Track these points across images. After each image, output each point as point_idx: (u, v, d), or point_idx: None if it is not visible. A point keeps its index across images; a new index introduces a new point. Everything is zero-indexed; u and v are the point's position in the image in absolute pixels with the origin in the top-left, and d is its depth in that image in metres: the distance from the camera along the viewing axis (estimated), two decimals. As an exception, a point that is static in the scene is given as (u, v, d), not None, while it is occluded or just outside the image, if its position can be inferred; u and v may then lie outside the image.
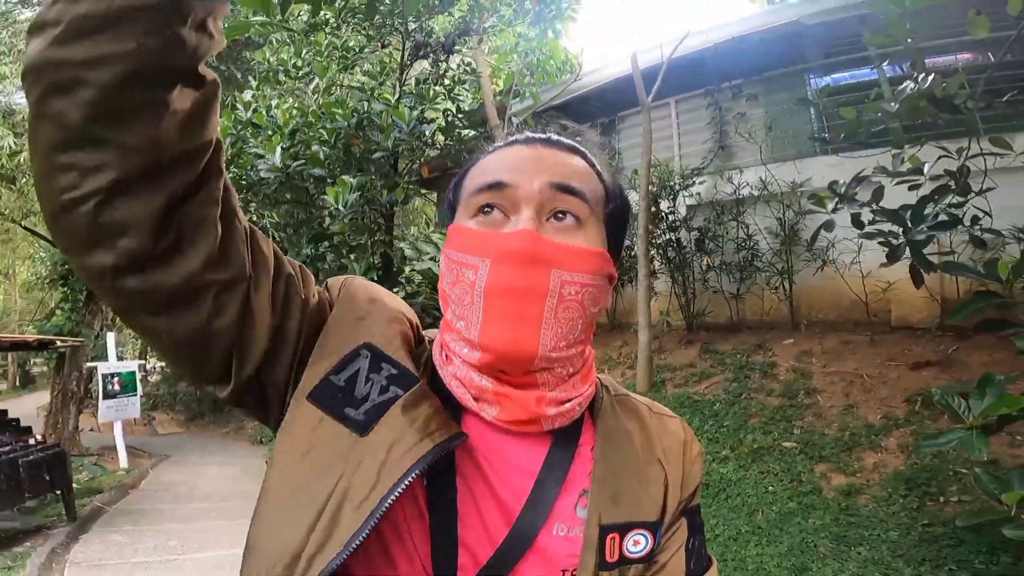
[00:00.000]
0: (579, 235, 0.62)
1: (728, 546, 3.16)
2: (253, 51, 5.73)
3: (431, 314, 6.41)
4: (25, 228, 9.81)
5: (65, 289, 9.68)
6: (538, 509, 0.60)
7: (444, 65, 5.39)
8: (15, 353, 19.50)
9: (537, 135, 0.67)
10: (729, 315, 5.93)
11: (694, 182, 5.87)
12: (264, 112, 4.22)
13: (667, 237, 6.03)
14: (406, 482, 0.52)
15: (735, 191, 5.70)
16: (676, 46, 5.36)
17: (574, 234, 0.61)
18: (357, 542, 0.50)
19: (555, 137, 0.67)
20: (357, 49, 4.92)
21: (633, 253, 5.50)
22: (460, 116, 5.28)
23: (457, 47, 5.44)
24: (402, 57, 5.32)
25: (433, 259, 7.27)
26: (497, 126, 5.66)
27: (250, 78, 4.71)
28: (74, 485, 5.24)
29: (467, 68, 5.38)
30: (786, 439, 3.97)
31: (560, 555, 0.60)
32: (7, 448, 4.27)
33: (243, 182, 4.29)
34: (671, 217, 5.93)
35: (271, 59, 4.73)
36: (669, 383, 5.12)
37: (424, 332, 0.71)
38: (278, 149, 4.00)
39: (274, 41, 5.09)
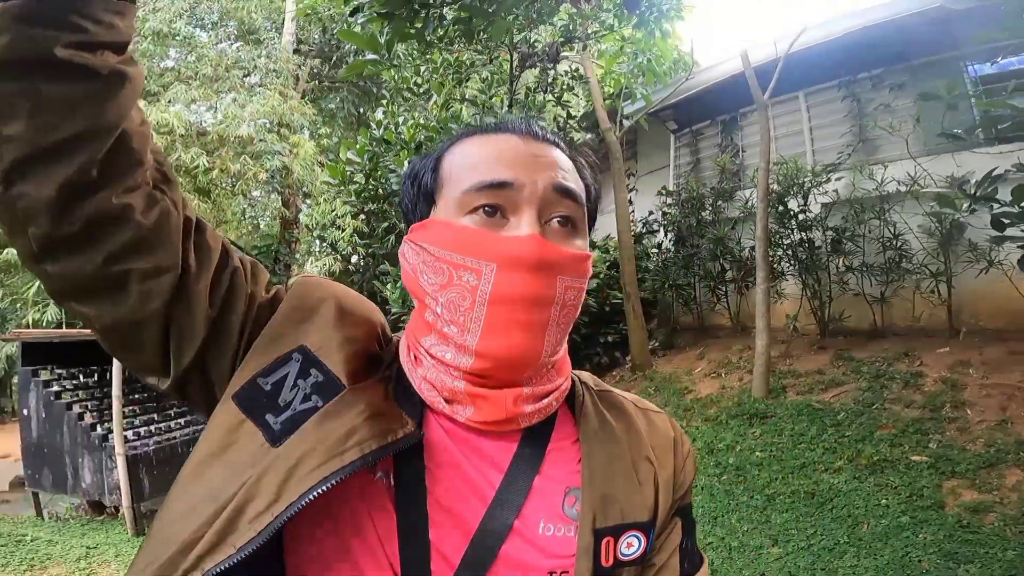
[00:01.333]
0: (576, 239, 0.61)
1: (820, 555, 2.97)
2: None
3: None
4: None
5: None
6: (506, 506, 0.58)
7: (552, 73, 5.58)
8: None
9: (526, 124, 0.65)
10: (872, 320, 5.39)
11: (829, 179, 5.42)
12: (393, 129, 4.78)
13: (797, 237, 5.65)
14: (303, 502, 0.50)
15: (878, 187, 5.18)
16: (793, 41, 5.04)
17: (573, 238, 0.61)
18: (248, 551, 0.49)
19: (541, 129, 0.65)
20: (468, 64, 5.30)
21: (747, 255, 5.25)
22: (570, 121, 5.42)
23: (562, 55, 5.60)
24: (511, 69, 5.63)
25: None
26: (609, 129, 5.73)
27: (385, 93, 5.35)
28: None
29: (574, 74, 5.51)
30: (916, 452, 3.59)
31: (543, 555, 0.58)
32: (201, 425, 5.17)
33: (380, 192, 4.91)
34: (801, 216, 5.55)
35: (396, 78, 5.30)
36: (791, 390, 4.82)
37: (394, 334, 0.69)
38: (405, 163, 4.54)
39: (400, 56, 5.68)
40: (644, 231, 7.55)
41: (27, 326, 6.59)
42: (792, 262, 5.73)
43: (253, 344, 0.59)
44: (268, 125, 8.36)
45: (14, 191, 0.47)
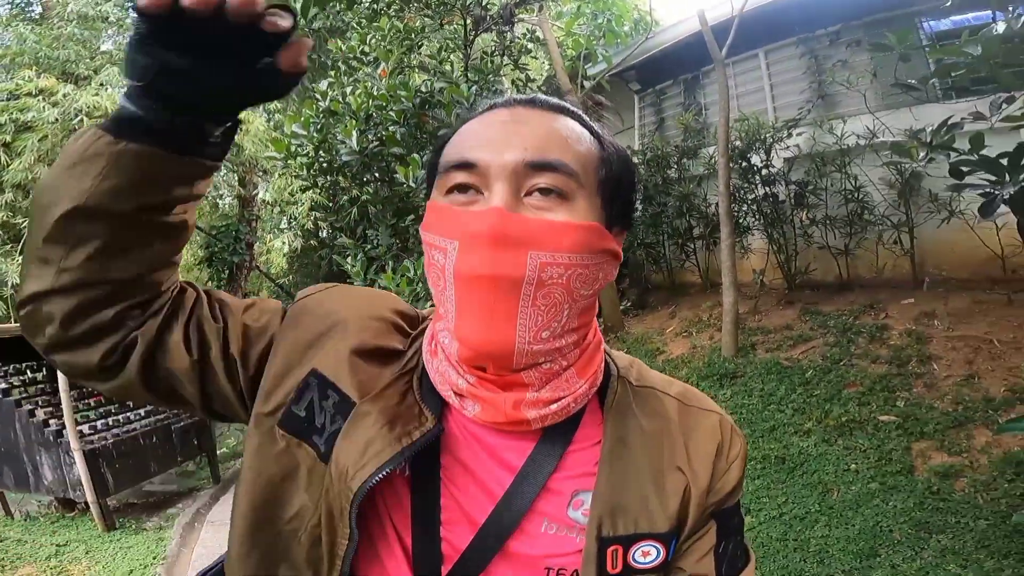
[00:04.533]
0: (562, 209, 0.56)
1: (792, 525, 3.02)
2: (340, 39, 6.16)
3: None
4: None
5: (210, 269, 11.14)
6: (514, 506, 0.58)
7: (508, 36, 5.35)
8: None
9: (521, 96, 0.62)
10: (838, 273, 5.46)
11: (791, 134, 5.38)
12: (340, 100, 4.56)
13: (762, 192, 5.63)
14: (353, 522, 0.55)
15: (838, 141, 5.15)
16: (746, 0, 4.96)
17: (557, 209, 0.55)
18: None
19: (541, 97, 0.62)
20: (419, 30, 5.05)
21: (714, 212, 5.24)
22: (530, 85, 5.24)
23: (518, 17, 5.37)
24: (464, 33, 5.37)
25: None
26: (570, 91, 5.55)
27: (339, 65, 5.07)
28: (220, 450, 6.02)
29: (532, 37, 5.29)
30: (884, 412, 3.66)
31: (546, 553, 0.59)
32: (162, 415, 5.01)
33: (334, 165, 4.74)
34: (764, 171, 5.52)
35: (343, 47, 5.04)
36: (760, 347, 4.88)
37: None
38: (354, 133, 4.33)
39: (353, 27, 5.38)
40: (612, 191, 7.46)
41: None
42: (757, 216, 5.75)
43: (267, 369, 0.62)
44: (214, 101, 7.94)
45: (44, 310, 0.55)
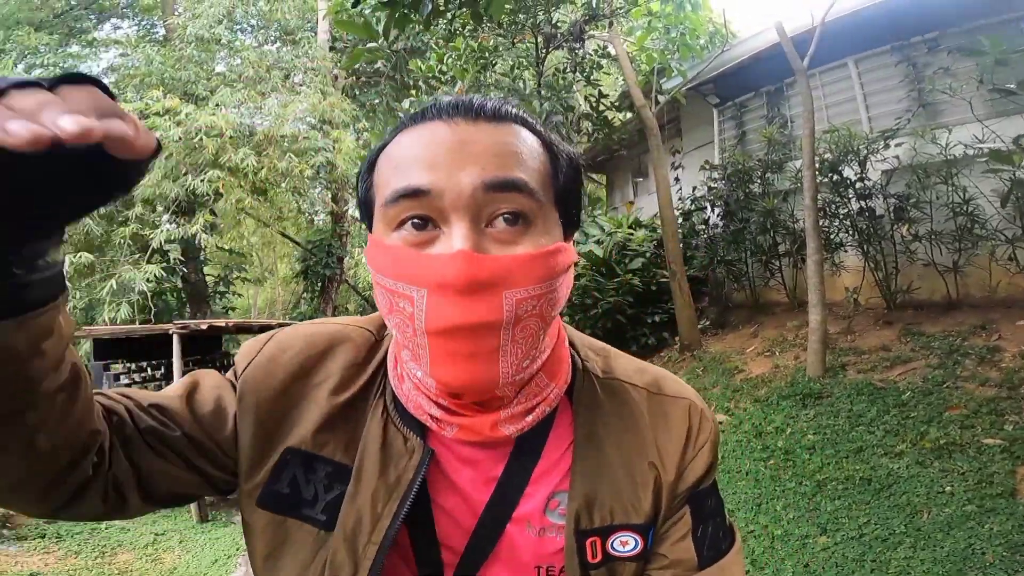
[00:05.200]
0: (528, 237, 0.52)
1: (871, 546, 2.79)
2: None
3: (590, 295, 6.61)
4: (280, 233, 12.29)
5: (305, 281, 11.68)
6: (498, 514, 0.59)
7: (579, 53, 5.43)
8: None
9: (460, 101, 0.54)
10: (945, 292, 5.01)
11: (888, 145, 5.06)
12: (419, 119, 4.76)
13: (856, 206, 5.31)
14: (380, 563, 0.55)
15: (943, 151, 4.78)
16: (828, 9, 4.81)
17: (522, 238, 0.52)
18: None
19: (480, 102, 0.54)
20: (492, 49, 5.22)
21: (802, 228, 4.99)
22: (603, 100, 5.25)
23: (588, 33, 5.43)
24: (536, 51, 5.50)
25: (598, 242, 7.43)
26: (644, 105, 5.53)
27: (420, 84, 5.36)
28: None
29: (603, 53, 5.33)
30: (989, 435, 3.31)
31: (531, 554, 0.60)
32: None
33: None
34: (859, 185, 5.21)
35: (422, 67, 5.30)
36: (851, 368, 4.55)
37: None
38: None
39: (431, 47, 5.69)
40: (693, 208, 7.32)
41: (104, 323, 7.06)
42: (851, 232, 5.40)
43: (240, 448, 0.60)
44: (312, 122, 8.58)
45: (13, 504, 0.53)
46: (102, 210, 7.31)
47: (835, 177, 5.25)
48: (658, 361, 6.39)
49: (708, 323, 6.70)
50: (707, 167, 6.93)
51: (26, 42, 8.25)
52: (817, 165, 4.98)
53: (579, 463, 0.60)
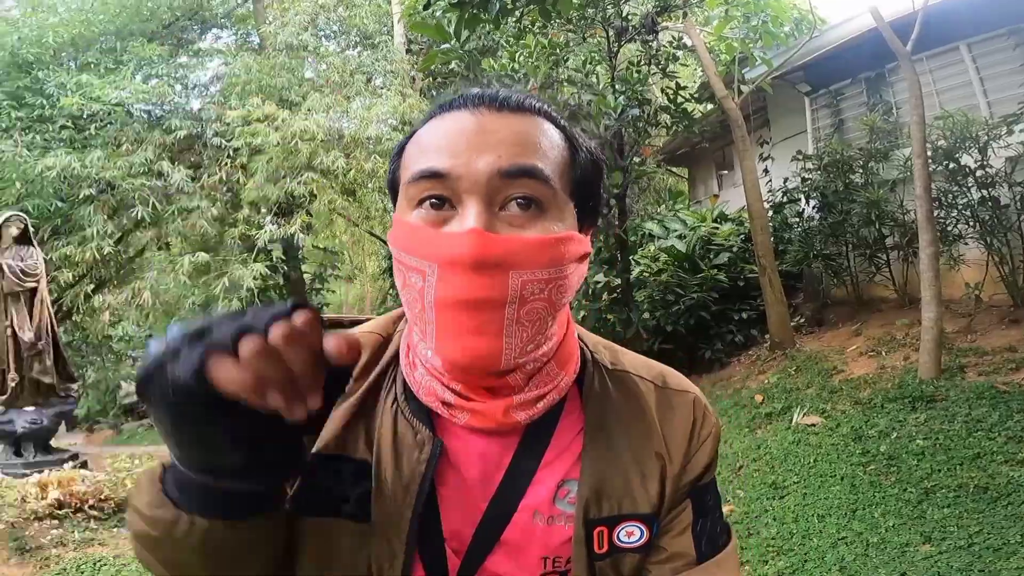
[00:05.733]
0: (539, 222, 0.55)
1: (981, 556, 2.61)
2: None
3: (672, 291, 6.43)
4: (368, 232, 12.78)
5: (391, 279, 12.02)
6: (507, 502, 0.60)
7: (654, 45, 5.27)
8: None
9: (485, 92, 0.57)
10: (1084, 289, 4.52)
11: (1012, 130, 4.63)
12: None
13: (977, 196, 4.87)
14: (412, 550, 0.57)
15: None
16: None
17: (534, 223, 0.54)
18: None
19: (505, 94, 0.57)
20: (563, 45, 5.17)
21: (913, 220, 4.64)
22: (681, 91, 5.08)
23: (661, 25, 5.26)
24: (608, 45, 5.41)
25: (680, 236, 7.22)
26: (725, 96, 5.31)
27: (493, 83, 5.42)
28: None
29: (678, 44, 5.15)
30: None
31: (538, 543, 0.60)
32: None
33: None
34: (980, 173, 4.77)
35: (495, 66, 5.34)
36: (971, 369, 4.20)
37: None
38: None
39: (502, 45, 5.67)
40: (785, 200, 6.96)
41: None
42: (972, 224, 4.98)
43: None
44: (393, 124, 8.84)
45: None
46: (215, 212, 7.95)
47: (951, 165, 4.88)
48: (746, 359, 6.15)
49: (803, 320, 6.39)
50: (799, 157, 6.59)
51: (141, 53, 8.90)
52: (929, 153, 4.61)
53: (589, 451, 0.61)
